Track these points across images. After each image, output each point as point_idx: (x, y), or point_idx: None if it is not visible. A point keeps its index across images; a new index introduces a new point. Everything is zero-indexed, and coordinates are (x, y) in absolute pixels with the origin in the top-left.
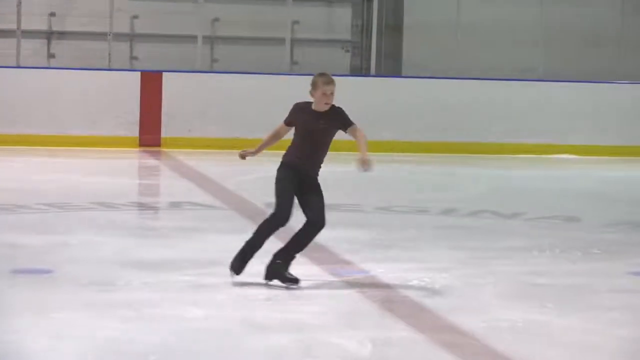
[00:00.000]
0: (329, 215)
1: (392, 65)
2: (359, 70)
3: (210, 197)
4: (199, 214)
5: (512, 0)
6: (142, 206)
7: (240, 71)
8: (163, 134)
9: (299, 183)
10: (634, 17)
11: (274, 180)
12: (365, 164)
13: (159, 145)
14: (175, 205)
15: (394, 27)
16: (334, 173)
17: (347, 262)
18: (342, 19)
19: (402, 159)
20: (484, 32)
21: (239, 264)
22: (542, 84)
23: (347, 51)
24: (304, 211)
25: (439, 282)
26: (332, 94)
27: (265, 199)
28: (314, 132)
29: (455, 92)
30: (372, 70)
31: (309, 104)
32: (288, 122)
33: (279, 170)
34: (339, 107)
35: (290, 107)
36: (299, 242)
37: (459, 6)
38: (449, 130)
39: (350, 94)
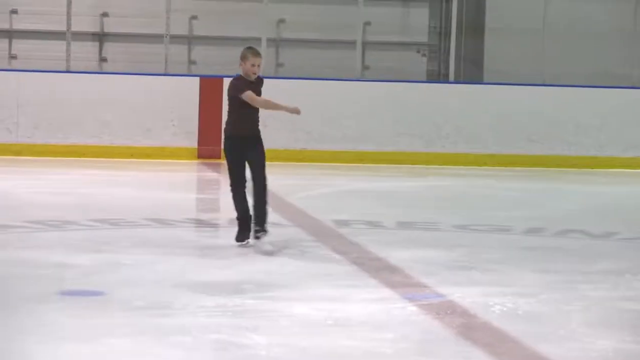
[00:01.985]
0: (403, 233)
1: (472, 71)
2: (437, 75)
3: (273, 213)
4: None
5: (606, 1)
6: (200, 223)
7: (308, 76)
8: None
9: (244, 149)
10: None
11: (341, 196)
12: (296, 110)
13: (219, 157)
14: (235, 222)
15: (474, 29)
16: (409, 187)
17: (423, 285)
18: (418, 20)
19: (482, 173)
20: (573, 34)
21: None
22: (637, 91)
23: (424, 55)
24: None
25: (523, 308)
26: (259, 65)
27: (332, 216)
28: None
29: (541, 100)
30: (451, 76)
31: (242, 77)
32: (246, 89)
33: (228, 142)
34: (261, 77)
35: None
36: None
37: (545, 6)
38: (534, 142)
39: (426, 101)
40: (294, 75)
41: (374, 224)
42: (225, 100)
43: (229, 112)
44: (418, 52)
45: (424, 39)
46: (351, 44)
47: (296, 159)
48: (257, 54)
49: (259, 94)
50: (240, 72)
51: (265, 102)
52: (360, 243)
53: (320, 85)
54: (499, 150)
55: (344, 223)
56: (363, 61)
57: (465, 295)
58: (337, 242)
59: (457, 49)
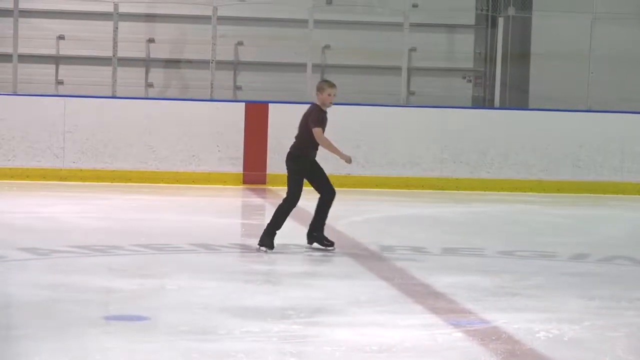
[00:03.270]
0: (448, 259)
1: (518, 97)
2: (482, 101)
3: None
4: (306, 257)
5: None
6: (245, 248)
7: (353, 102)
8: (269, 171)
9: (311, 169)
10: None
11: (386, 222)
12: (348, 159)
13: (264, 182)
14: (280, 247)
15: (520, 55)
16: (455, 213)
17: (468, 312)
18: (464, 46)
19: (527, 199)
20: (618, 60)
21: (269, 241)
22: None
23: (469, 81)
24: (318, 188)
25: (568, 334)
26: (335, 95)
27: (377, 241)
28: (325, 126)
29: (587, 127)
30: (496, 102)
31: (318, 106)
32: (319, 125)
33: (300, 162)
34: None
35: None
36: (325, 214)
37: (591, 32)
38: (579, 168)
39: (472, 126)
40: (339, 101)
41: (419, 250)
42: (271, 125)
43: (303, 134)
44: (463, 78)
45: (469, 64)
46: (397, 69)
47: (341, 185)
48: (333, 85)
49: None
50: (317, 102)
51: (329, 144)
52: (405, 269)
53: (365, 110)
54: (544, 176)
55: (389, 248)
56: (408, 87)
57: (510, 321)
58: (382, 267)
59: (503, 75)
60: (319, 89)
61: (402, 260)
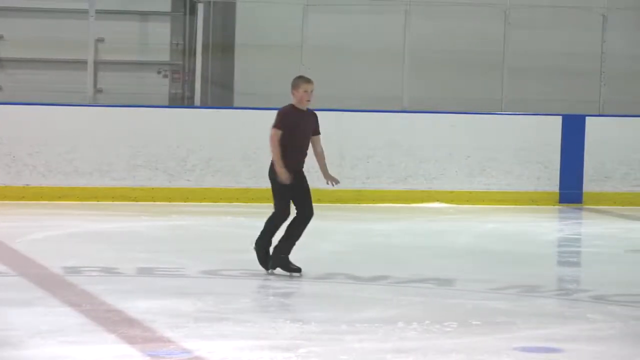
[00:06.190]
0: (143, 281)
1: (221, 94)
2: (181, 99)
3: None
4: None
5: (372, 13)
6: None
7: (30, 102)
8: None
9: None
10: (518, 36)
11: (70, 240)
12: (334, 180)
13: None
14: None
15: (223, 47)
16: (150, 228)
17: (167, 340)
18: (159, 36)
19: (234, 211)
20: (335, 53)
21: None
22: (407, 115)
23: (165, 76)
24: (296, 205)
25: None
26: (311, 92)
27: (60, 262)
28: (303, 129)
29: None
30: (197, 100)
31: (291, 105)
32: (280, 127)
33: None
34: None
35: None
36: (296, 234)
37: (304, 23)
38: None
39: (169, 128)
40: (13, 100)
41: (109, 271)
42: None
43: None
44: (159, 72)
45: (165, 57)
46: (81, 63)
47: (18, 197)
48: (309, 80)
49: (310, 127)
50: (293, 102)
51: (274, 152)
52: (94, 293)
53: (44, 111)
54: (252, 184)
55: (75, 270)
56: (95, 83)
57: (216, 350)
58: (66, 291)
59: (204, 69)
60: (293, 86)
61: (90, 283)
